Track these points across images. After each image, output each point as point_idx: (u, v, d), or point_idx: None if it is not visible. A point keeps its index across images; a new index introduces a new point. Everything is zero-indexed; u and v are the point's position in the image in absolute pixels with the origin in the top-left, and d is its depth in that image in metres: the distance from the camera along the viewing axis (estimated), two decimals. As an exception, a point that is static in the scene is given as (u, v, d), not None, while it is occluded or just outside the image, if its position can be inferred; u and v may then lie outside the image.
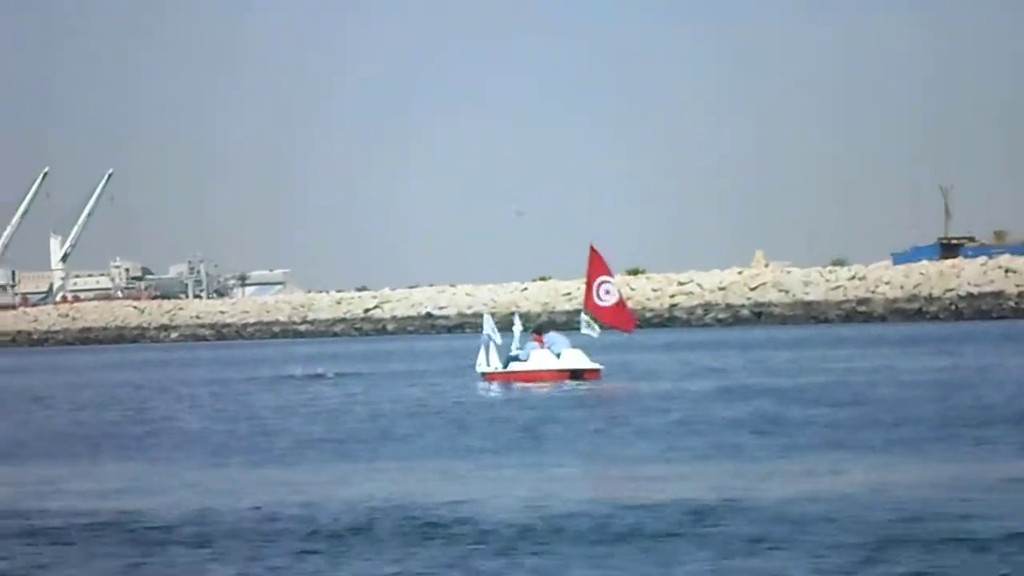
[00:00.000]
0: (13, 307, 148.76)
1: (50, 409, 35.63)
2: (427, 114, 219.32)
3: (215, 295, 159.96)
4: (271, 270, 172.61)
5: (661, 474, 17.85)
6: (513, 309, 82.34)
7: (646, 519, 13.98)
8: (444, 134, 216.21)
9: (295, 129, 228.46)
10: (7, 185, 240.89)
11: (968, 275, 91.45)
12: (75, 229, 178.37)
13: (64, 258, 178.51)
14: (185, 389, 42.02)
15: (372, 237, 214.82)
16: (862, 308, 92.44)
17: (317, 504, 15.83)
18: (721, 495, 15.39)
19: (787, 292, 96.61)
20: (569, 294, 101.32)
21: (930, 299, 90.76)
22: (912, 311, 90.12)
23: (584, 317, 37.48)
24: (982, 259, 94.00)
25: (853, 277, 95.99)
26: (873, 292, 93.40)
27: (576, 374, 35.37)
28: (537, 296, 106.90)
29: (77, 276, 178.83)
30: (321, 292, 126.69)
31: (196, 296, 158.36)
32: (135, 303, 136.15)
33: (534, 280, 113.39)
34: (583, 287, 39.08)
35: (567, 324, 65.35)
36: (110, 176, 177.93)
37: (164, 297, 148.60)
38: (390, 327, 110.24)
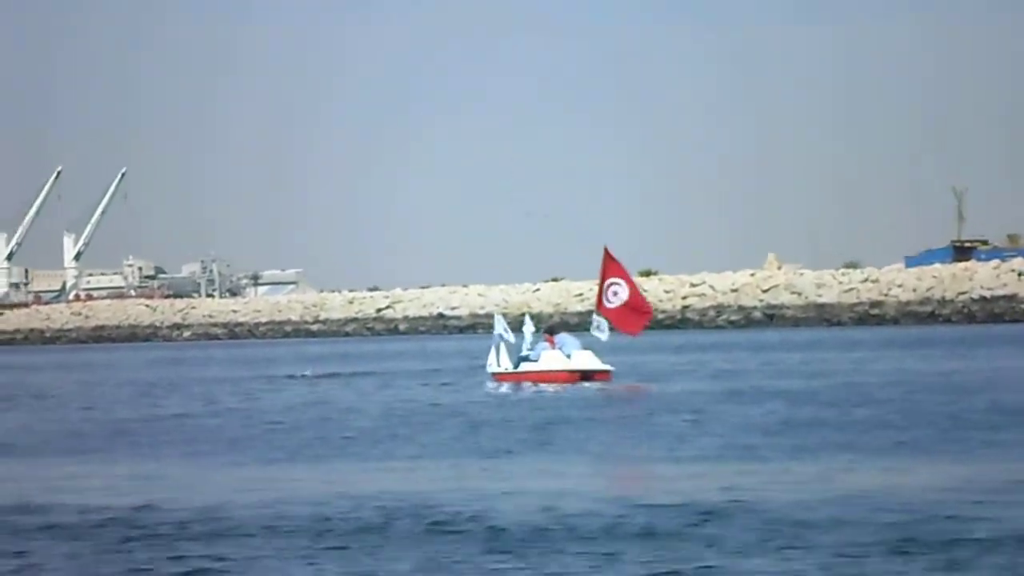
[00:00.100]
0: (26, 305, 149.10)
1: (62, 406, 35.71)
2: (428, 114, 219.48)
3: (227, 294, 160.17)
4: (283, 270, 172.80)
5: (672, 474, 17.84)
6: (525, 310, 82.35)
7: (657, 519, 13.97)
8: (446, 134, 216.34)
9: (303, 129, 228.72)
10: (21, 184, 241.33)
11: (981, 278, 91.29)
12: (88, 228, 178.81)
13: (77, 257, 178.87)
14: (198, 387, 42.08)
15: (384, 237, 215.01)
16: (875, 311, 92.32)
17: (328, 502, 15.84)
18: (732, 496, 15.37)
19: (800, 294, 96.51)
20: (581, 295, 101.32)
21: (943, 302, 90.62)
22: (925, 314, 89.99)
23: (595, 318, 37.51)
24: (995, 262, 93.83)
25: (866, 280, 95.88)
26: (886, 295, 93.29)
27: (586, 375, 35.36)
28: (549, 297, 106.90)
29: (90, 275, 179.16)
30: (333, 292, 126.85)
31: (209, 295, 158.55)
32: (148, 302, 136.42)
33: (546, 281, 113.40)
34: (595, 288, 39.09)
35: (579, 325, 65.33)
36: (123, 175, 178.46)
37: (177, 296, 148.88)
38: (402, 327, 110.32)
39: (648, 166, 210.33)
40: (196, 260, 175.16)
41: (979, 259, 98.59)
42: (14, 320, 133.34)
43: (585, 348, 36.12)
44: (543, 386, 34.64)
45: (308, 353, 71.71)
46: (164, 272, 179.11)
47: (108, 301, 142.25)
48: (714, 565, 11.76)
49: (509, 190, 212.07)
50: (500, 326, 37.18)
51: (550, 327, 40.77)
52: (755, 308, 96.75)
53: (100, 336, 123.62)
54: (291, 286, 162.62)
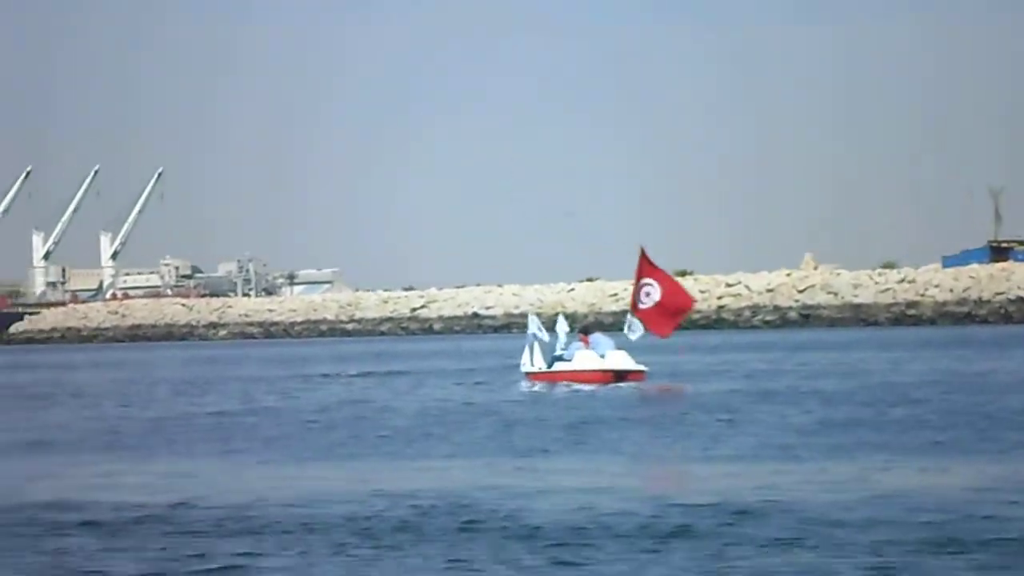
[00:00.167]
0: (63, 304, 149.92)
1: (99, 404, 35.89)
2: (463, 112, 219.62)
3: (263, 294, 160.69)
4: (319, 269, 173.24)
5: (706, 474, 17.81)
6: (559, 309, 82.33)
7: (692, 518, 13.95)
8: (473, 132, 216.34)
9: (338, 126, 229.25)
10: (58, 182, 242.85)
11: (1018, 278, 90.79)
12: (125, 227, 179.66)
13: (114, 256, 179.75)
14: (234, 386, 42.23)
15: (419, 237, 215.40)
16: (911, 311, 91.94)
17: (363, 500, 15.88)
18: (768, 495, 15.34)
19: (836, 294, 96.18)
20: (616, 295, 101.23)
21: (980, 302, 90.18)
22: (961, 314, 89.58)
23: (629, 318, 37.49)
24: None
25: (902, 280, 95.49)
26: (922, 295, 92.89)
27: (620, 375, 35.32)
28: (584, 297, 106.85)
29: (127, 274, 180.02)
30: (369, 291, 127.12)
31: (245, 295, 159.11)
32: (184, 301, 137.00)
33: (581, 281, 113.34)
34: (630, 288, 39.05)
35: (613, 325, 65.26)
36: (160, 175, 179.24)
37: (213, 295, 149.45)
38: (436, 327, 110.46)
39: (684, 166, 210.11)
40: (232, 259, 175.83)
41: (1016, 259, 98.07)
42: (51, 319, 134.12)
43: (619, 348, 36.07)
44: (577, 386, 34.62)
45: (343, 352, 71.88)
46: (200, 271, 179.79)
47: (144, 300, 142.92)
48: (749, 564, 11.73)
49: (544, 190, 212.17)
50: (534, 326, 37.18)
51: (584, 327, 40.77)
52: (791, 308, 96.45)
53: (136, 335, 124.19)
54: (327, 285, 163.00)
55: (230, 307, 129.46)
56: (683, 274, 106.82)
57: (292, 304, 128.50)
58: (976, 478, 16.60)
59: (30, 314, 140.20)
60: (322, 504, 15.73)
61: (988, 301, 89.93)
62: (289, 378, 45.70)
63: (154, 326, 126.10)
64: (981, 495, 15.15)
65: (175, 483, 18.31)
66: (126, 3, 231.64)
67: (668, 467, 19.54)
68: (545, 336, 36.81)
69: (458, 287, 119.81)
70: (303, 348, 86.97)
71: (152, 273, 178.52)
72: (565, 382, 35.32)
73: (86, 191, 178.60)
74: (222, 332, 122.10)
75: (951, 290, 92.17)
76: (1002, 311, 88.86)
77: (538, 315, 40.98)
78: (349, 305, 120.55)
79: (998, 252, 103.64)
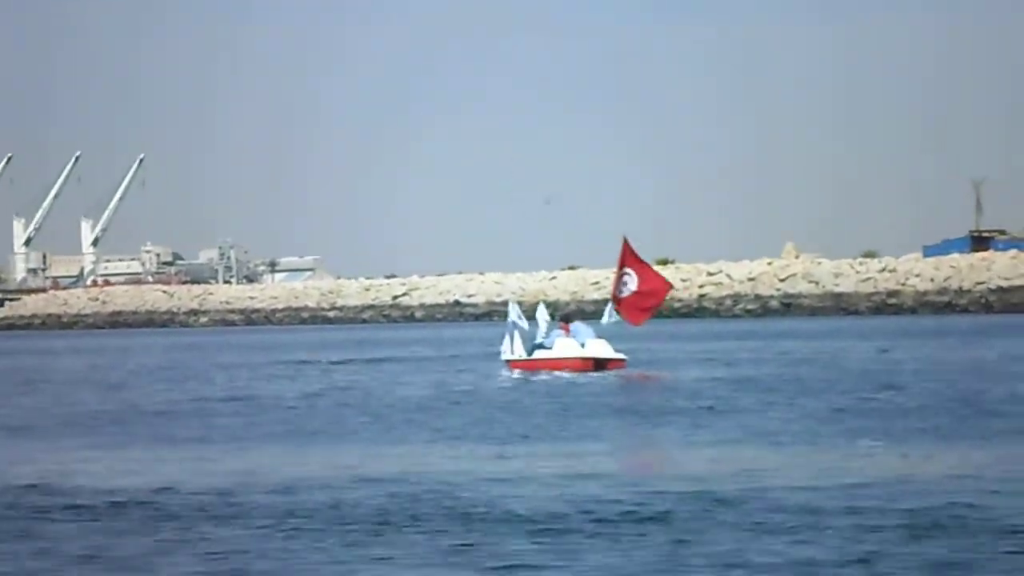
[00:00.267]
0: (44, 290, 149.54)
1: (78, 390, 35.83)
2: (446, 102, 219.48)
3: (245, 281, 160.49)
4: (301, 256, 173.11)
5: (687, 460, 17.84)
6: (541, 298, 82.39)
7: (672, 504, 13.97)
8: (462, 124, 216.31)
9: (323, 116, 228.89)
10: (39, 169, 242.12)
11: (999, 268, 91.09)
12: (106, 213, 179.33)
13: (95, 242, 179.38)
14: (213, 372, 42.19)
15: (401, 224, 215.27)
16: (892, 300, 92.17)
17: (344, 486, 15.89)
18: (748, 481, 15.37)
19: (817, 283, 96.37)
20: (598, 283, 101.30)
21: (960, 292, 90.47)
22: (942, 304, 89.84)
23: (609, 306, 37.61)
24: (1013, 252, 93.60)
25: (884, 269, 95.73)
26: (903, 284, 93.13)
27: (600, 363, 35.35)
28: (566, 285, 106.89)
29: (108, 260, 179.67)
30: (350, 279, 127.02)
31: (226, 282, 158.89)
32: (165, 288, 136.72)
33: (563, 269, 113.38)
34: (612, 276, 39.18)
35: (595, 313, 65.30)
36: (141, 161, 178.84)
37: (194, 282, 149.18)
38: (418, 314, 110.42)
39: (664, 155, 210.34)
40: (214, 246, 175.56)
41: (997, 249, 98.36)
42: (32, 305, 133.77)
43: (599, 337, 36.11)
44: (557, 373, 34.65)
45: (325, 340, 71.85)
46: (181, 258, 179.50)
47: (125, 287, 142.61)
48: (729, 550, 11.75)
49: (525, 179, 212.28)
50: (514, 314, 37.20)
51: (565, 315, 40.75)
52: (772, 297, 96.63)
53: (117, 322, 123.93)
54: (308, 273, 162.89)
55: (211, 294, 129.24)
56: (665, 263, 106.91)
57: (273, 291, 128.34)
58: (957, 465, 16.66)
59: (10, 300, 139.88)
60: (303, 491, 15.72)
61: (969, 291, 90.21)
62: (270, 364, 45.66)
63: (135, 313, 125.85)
64: (962, 482, 15.19)
65: (155, 468, 18.29)
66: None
67: (649, 454, 19.57)
68: (525, 324, 36.81)
69: (440, 275, 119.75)
70: (284, 335, 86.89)
71: (133, 260, 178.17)
72: (545, 370, 35.34)
73: (67, 177, 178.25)
74: (203, 319, 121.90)
75: (932, 279, 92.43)
76: (983, 301, 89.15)
77: (520, 303, 40.93)
78: (331, 292, 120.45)
79: (979, 242, 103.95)
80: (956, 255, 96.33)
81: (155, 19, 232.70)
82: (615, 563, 11.40)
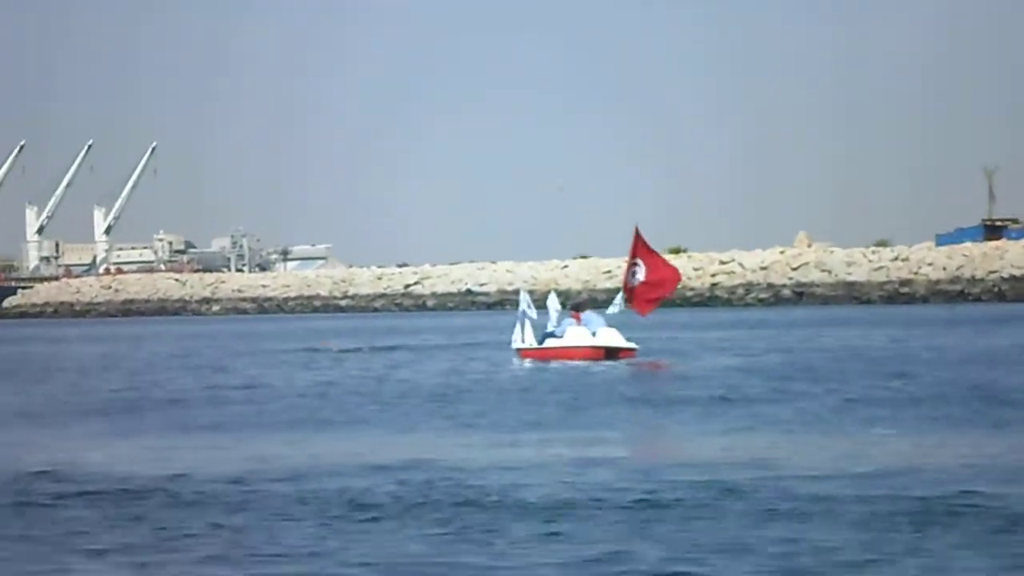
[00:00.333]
0: (56, 278, 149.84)
1: (90, 378, 35.91)
2: (461, 88, 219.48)
3: (257, 269, 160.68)
4: (313, 245, 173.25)
5: (698, 448, 17.84)
6: (553, 286, 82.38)
7: (684, 492, 13.98)
8: (476, 110, 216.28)
9: (333, 103, 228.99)
10: (52, 157, 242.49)
11: (1012, 257, 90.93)
12: (119, 202, 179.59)
13: (108, 230, 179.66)
14: (223, 360, 42.26)
15: (413, 213, 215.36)
16: (904, 289, 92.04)
17: (355, 473, 15.92)
18: (760, 469, 15.37)
19: (830, 272, 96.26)
20: (609, 272, 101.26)
21: (973, 281, 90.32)
22: (955, 292, 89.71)
23: (619, 296, 37.65)
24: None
25: (896, 258, 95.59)
26: (916, 273, 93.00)
27: (611, 352, 35.35)
28: (577, 274, 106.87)
29: (120, 248, 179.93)
30: (362, 267, 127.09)
31: (238, 270, 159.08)
32: (177, 276, 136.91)
33: (575, 258, 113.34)
34: (624, 265, 39.23)
35: (607, 302, 65.19)
36: (154, 150, 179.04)
37: (206, 270, 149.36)
38: (430, 303, 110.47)
39: (677, 145, 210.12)
40: (226, 235, 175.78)
41: (1010, 238, 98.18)
42: (44, 293, 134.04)
43: (610, 326, 36.12)
44: (568, 362, 34.66)
45: (337, 328, 71.92)
46: (194, 246, 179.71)
47: (138, 275, 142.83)
48: (741, 537, 11.75)
49: (538, 167, 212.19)
50: (524, 302, 37.20)
51: (576, 304, 40.76)
52: (784, 286, 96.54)
53: (129, 310, 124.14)
54: (320, 261, 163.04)
55: (223, 282, 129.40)
56: (677, 251, 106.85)
57: (286, 280, 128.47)
58: (970, 454, 16.64)
59: (23, 288, 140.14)
60: (315, 478, 15.75)
61: (981, 279, 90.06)
62: (281, 352, 45.72)
63: (147, 301, 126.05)
64: (975, 471, 15.17)
65: (168, 455, 18.33)
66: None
67: (660, 442, 19.58)
68: (534, 313, 36.80)
69: (452, 264, 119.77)
70: (296, 323, 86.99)
71: (145, 248, 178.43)
72: (556, 359, 35.35)
73: (80, 166, 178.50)
74: (215, 307, 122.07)
75: (944, 268, 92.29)
76: (995, 289, 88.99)
77: (531, 292, 40.99)
78: (343, 281, 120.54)
79: (992, 230, 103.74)
80: (969, 244, 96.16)
81: (168, 10, 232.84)
82: (625, 550, 11.41)
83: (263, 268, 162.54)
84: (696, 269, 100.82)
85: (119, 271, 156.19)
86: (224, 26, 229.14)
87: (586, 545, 11.67)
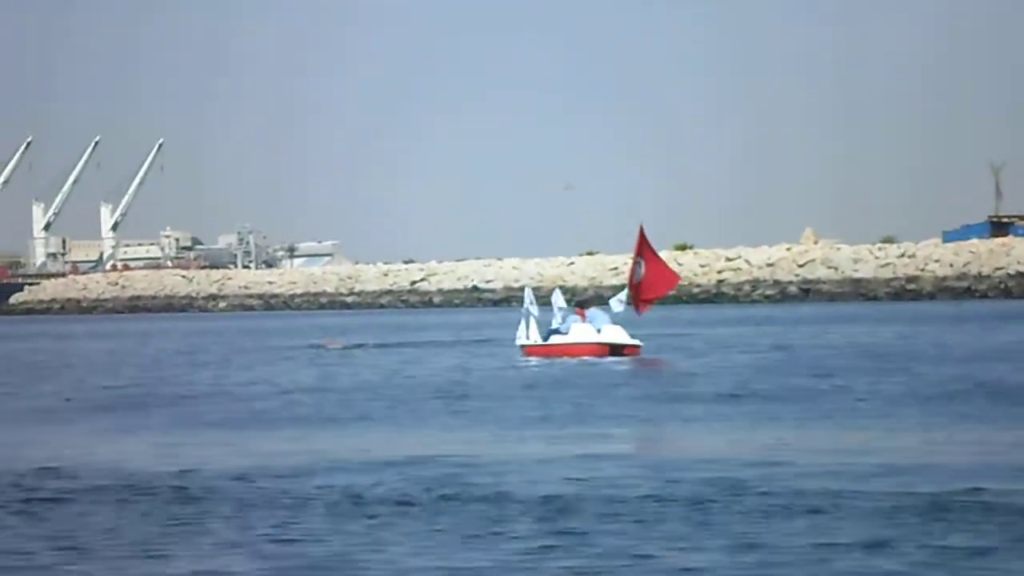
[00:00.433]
0: (63, 275, 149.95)
1: (97, 374, 35.95)
2: (470, 84, 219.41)
3: (263, 266, 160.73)
4: (319, 241, 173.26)
5: (705, 444, 17.85)
6: (559, 283, 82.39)
7: (691, 488, 13.99)
8: (485, 107, 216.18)
9: (338, 100, 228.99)
10: (58, 153, 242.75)
11: (1018, 253, 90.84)
12: (125, 198, 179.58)
13: (114, 227, 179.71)
14: (228, 357, 42.29)
15: (420, 210, 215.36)
16: (911, 286, 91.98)
17: (363, 470, 15.94)
18: (767, 465, 15.38)
19: (836, 269, 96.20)
20: (616, 269, 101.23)
21: (979, 277, 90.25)
22: (961, 289, 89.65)
23: (623, 293, 37.69)
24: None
25: (903, 255, 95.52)
26: (922, 270, 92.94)
27: (616, 349, 35.37)
28: (584, 270, 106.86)
29: (127, 245, 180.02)
30: (368, 264, 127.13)
31: (245, 266, 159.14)
32: (184, 272, 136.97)
33: (581, 255, 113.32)
34: (630, 262, 39.33)
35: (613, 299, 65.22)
36: (160, 146, 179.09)
37: (213, 267, 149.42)
38: (436, 300, 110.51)
39: (683, 141, 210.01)
40: (233, 231, 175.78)
41: (1017, 234, 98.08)
42: (51, 289, 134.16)
43: (615, 323, 36.14)
44: (572, 359, 34.68)
45: (343, 324, 71.97)
46: (200, 243, 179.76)
47: (144, 271, 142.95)
48: (747, 532, 11.77)
49: (544, 164, 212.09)
50: (527, 299, 37.23)
51: (581, 301, 40.81)
52: (791, 283, 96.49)
53: (136, 306, 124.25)
54: (327, 258, 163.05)
55: (230, 279, 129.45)
56: (684, 248, 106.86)
57: (292, 276, 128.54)
58: (979, 450, 16.65)
59: (30, 285, 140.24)
60: (322, 473, 15.78)
61: (988, 276, 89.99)
62: (288, 349, 45.76)
63: (154, 297, 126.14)
64: (982, 466, 15.17)
65: (173, 452, 18.37)
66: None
67: (665, 438, 19.58)
68: (535, 311, 36.74)
69: (458, 260, 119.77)
70: (302, 320, 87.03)
71: (152, 245, 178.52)
72: (561, 355, 35.36)
73: (86, 162, 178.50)
74: (222, 304, 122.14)
75: (951, 265, 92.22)
76: (1002, 286, 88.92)
77: (537, 289, 41.00)
78: (349, 278, 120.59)
79: (998, 227, 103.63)
80: (975, 240, 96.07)
81: (172, 10, 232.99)
82: (633, 546, 11.43)
83: (270, 265, 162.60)
84: (702, 266, 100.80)
85: (126, 267, 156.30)
86: (227, 25, 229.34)
87: (593, 541, 11.69)
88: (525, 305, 37.17)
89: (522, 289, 40.22)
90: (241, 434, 20.54)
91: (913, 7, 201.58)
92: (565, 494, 13.88)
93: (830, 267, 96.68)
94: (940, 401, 22.51)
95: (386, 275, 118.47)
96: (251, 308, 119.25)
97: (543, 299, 38.90)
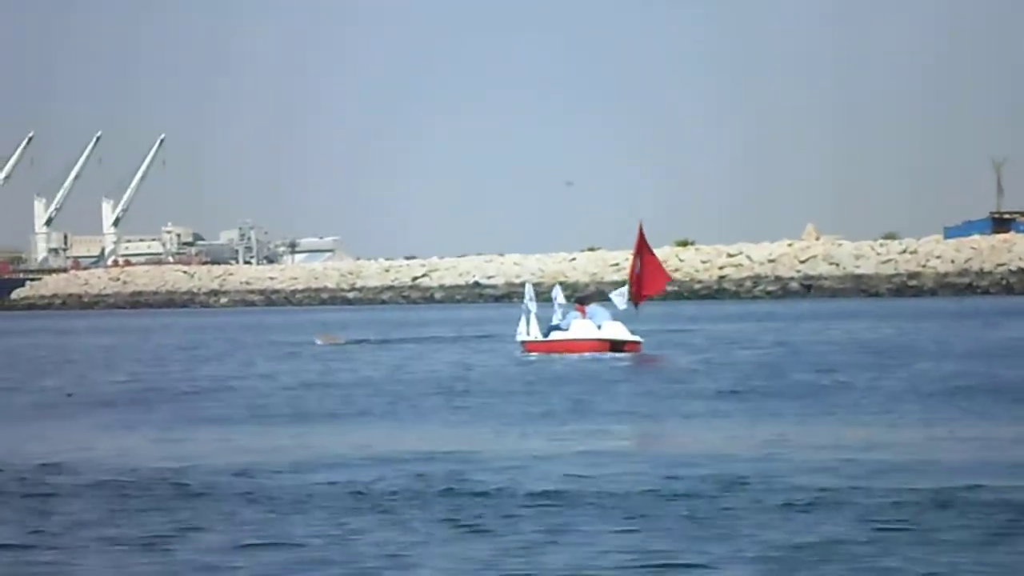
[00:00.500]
0: (65, 270, 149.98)
1: (99, 369, 35.97)
2: (469, 81, 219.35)
3: (265, 261, 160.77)
4: (321, 237, 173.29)
5: (704, 440, 17.86)
6: (560, 279, 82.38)
7: (689, 484, 13.99)
8: (484, 104, 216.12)
9: (339, 96, 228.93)
10: (60, 149, 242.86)
11: (1020, 250, 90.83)
12: (127, 194, 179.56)
13: (116, 222, 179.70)
14: (229, 353, 42.31)
15: (421, 206, 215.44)
16: (912, 282, 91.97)
17: (363, 465, 15.95)
18: (768, 461, 15.38)
19: (838, 265, 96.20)
20: (617, 264, 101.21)
21: (981, 273, 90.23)
22: (963, 285, 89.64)
23: (623, 288, 37.72)
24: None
25: (904, 251, 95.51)
26: (924, 266, 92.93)
27: (616, 345, 35.38)
28: (585, 266, 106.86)
29: (129, 240, 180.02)
30: (370, 260, 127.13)
31: (246, 262, 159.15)
32: (185, 268, 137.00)
33: (582, 250, 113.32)
34: (630, 258, 39.41)
35: (615, 294, 65.20)
36: (162, 142, 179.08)
37: (214, 263, 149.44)
38: (438, 296, 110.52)
39: (684, 137, 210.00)
40: (234, 227, 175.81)
41: (1018, 231, 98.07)
42: (53, 285, 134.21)
43: (615, 319, 36.14)
44: (573, 355, 34.69)
45: (344, 320, 71.99)
46: (202, 239, 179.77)
47: (146, 267, 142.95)
48: (748, 529, 11.77)
49: (545, 160, 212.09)
50: (527, 295, 37.24)
51: (581, 297, 40.79)
52: (792, 279, 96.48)
53: (138, 302, 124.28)
54: (328, 254, 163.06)
55: (231, 275, 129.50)
56: (685, 244, 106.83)
57: (293, 272, 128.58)
58: (981, 445, 16.65)
59: (31, 280, 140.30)
60: (323, 469, 15.78)
61: (989, 272, 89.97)
62: (289, 344, 45.77)
63: (155, 293, 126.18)
64: (982, 463, 15.17)
65: (173, 448, 18.37)
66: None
67: (665, 435, 19.58)
68: (534, 307, 36.70)
69: (459, 256, 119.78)
70: (304, 315, 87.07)
71: (154, 240, 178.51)
72: (561, 352, 35.37)
73: (88, 157, 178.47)
74: (223, 299, 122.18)
75: (952, 261, 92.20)
76: (1003, 282, 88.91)
77: (538, 285, 41.02)
78: (350, 274, 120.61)
79: (1000, 223, 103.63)
80: (977, 236, 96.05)
81: (172, 9, 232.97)
82: (634, 542, 11.43)
83: (271, 260, 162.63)
84: (704, 262, 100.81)
85: (127, 263, 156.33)
86: (227, 25, 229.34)
87: (593, 538, 11.69)
88: (525, 301, 37.18)
89: (523, 285, 40.24)
90: (242, 430, 20.55)
91: (913, 7, 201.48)
92: (566, 490, 13.88)
93: (832, 263, 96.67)
94: (941, 397, 22.50)
95: (387, 271, 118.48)
96: (252, 304, 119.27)
97: (544, 295, 38.90)
